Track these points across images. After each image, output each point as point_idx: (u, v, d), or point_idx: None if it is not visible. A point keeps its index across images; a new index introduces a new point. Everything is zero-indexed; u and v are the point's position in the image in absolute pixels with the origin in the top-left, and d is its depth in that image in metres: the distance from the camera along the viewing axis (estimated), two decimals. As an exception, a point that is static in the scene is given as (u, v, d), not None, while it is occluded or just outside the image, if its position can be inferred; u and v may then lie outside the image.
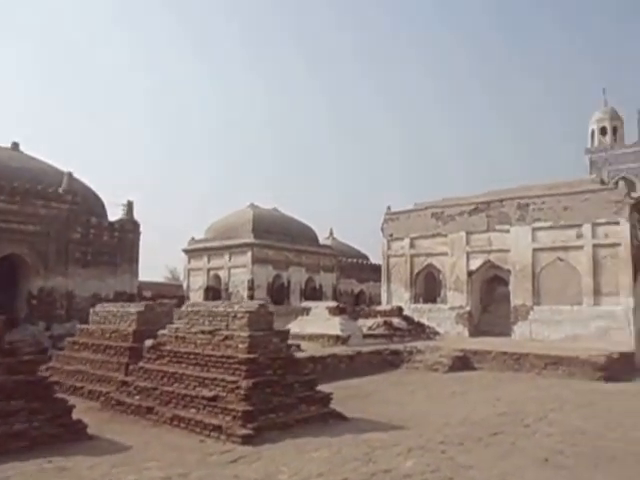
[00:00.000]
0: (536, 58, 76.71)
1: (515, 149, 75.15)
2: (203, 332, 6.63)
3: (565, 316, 14.61)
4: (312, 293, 22.04)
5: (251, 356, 6.06)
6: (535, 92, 79.59)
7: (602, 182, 16.14)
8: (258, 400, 5.75)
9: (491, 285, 17.78)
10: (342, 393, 8.74)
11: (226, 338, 6.37)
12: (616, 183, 28.31)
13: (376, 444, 5.75)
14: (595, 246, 14.59)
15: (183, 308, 7.30)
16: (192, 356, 6.53)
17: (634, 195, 16.11)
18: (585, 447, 5.96)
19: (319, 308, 13.09)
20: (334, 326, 12.33)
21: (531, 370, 11.63)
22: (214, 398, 5.78)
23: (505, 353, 12.05)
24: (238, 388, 5.74)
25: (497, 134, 77.48)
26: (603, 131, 32.14)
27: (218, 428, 5.47)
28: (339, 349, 11.37)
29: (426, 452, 5.55)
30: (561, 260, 15.07)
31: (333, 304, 13.17)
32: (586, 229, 14.76)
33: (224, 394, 5.79)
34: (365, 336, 13.08)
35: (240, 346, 6.17)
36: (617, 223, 14.35)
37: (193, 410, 5.89)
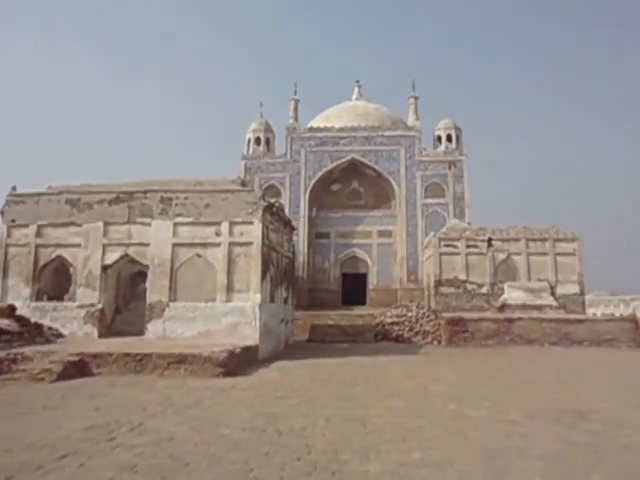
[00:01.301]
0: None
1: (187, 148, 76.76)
2: None
3: (199, 312, 14.55)
4: None
5: None
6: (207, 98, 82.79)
7: (243, 184, 16.75)
8: None
9: (135, 281, 16.81)
10: None
11: None
12: (263, 188, 30.79)
13: None
14: (231, 244, 14.95)
15: None
16: None
17: (272, 200, 17.26)
18: (164, 456, 5.39)
19: None
20: None
21: (153, 371, 10.99)
22: None
23: (128, 355, 11.13)
24: None
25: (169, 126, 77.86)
26: (257, 141, 34.66)
27: None
28: None
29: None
30: (199, 256, 15.01)
31: None
32: (224, 227, 15.03)
33: None
34: (-46, 343, 10.52)
35: None
36: (251, 223, 14.98)
37: None
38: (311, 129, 34.55)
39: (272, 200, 17.22)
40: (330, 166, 33.34)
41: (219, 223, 15.08)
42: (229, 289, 14.70)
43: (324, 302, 30.85)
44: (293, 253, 20.33)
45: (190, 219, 15.17)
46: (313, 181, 33.16)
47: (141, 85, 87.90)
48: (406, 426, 6.62)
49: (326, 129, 34.03)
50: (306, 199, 32.88)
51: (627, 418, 7.26)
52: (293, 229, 20.34)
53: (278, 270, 17.13)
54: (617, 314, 36.07)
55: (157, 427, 6.65)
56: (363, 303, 31.84)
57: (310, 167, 33.34)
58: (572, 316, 20.63)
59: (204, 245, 15.06)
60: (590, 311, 36.06)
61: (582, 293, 25.08)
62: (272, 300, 16.19)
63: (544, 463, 5.18)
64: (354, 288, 32.43)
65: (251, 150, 34.52)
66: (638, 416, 7.39)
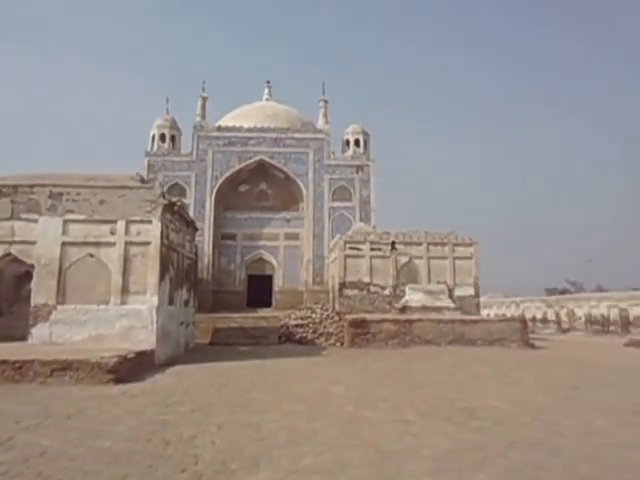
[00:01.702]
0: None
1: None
2: None
3: (91, 316, 13.66)
4: None
5: None
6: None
7: (142, 180, 15.94)
8: None
9: (21, 281, 15.55)
10: None
11: None
12: (167, 186, 29.73)
13: None
14: (127, 244, 14.18)
15: None
16: None
17: (173, 199, 16.57)
18: (30, 475, 4.88)
19: None
20: None
21: (35, 379, 10.11)
22: None
23: (5, 362, 10.15)
24: None
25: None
26: (162, 138, 33.44)
27: None
28: None
29: None
30: (92, 256, 14.10)
31: None
32: (120, 225, 14.23)
33: None
34: None
35: None
36: (150, 222, 14.29)
37: None
38: (219, 128, 33.86)
39: (174, 199, 16.54)
40: (238, 166, 32.84)
41: (115, 221, 14.26)
42: (124, 291, 13.92)
43: (229, 304, 30.28)
44: (196, 254, 19.70)
45: (82, 216, 14.23)
46: (220, 181, 32.50)
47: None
48: (301, 430, 6.45)
49: (235, 129, 33.49)
50: (212, 199, 32.16)
51: (513, 415, 7.53)
52: (196, 229, 19.72)
53: (179, 271, 16.49)
54: (509, 315, 38.42)
55: (28, 441, 6.03)
56: (269, 305, 31.59)
57: (217, 167, 32.65)
58: (467, 317, 21.54)
59: (97, 244, 14.18)
60: (485, 312, 38.11)
61: (477, 295, 26.34)
62: (171, 302, 15.54)
63: (434, 463, 5.19)
64: (260, 290, 32.12)
65: (155, 147, 33.26)
66: (523, 413, 7.68)
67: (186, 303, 17.59)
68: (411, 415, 7.42)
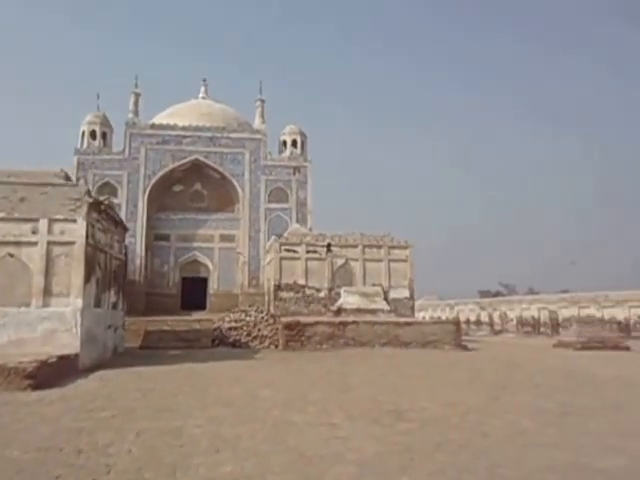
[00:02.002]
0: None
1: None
2: None
3: (11, 319, 12.91)
4: None
5: None
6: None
7: (67, 178, 15.24)
8: None
9: None
10: None
11: None
12: (97, 185, 28.67)
13: None
14: (50, 243, 13.52)
15: None
16: None
17: (101, 197, 15.96)
18: None
19: None
20: None
21: (-59, 388, 9.43)
22: None
23: None
24: None
25: None
26: (93, 135, 32.20)
27: None
28: None
29: None
30: (12, 256, 13.34)
31: None
32: (42, 224, 13.55)
33: None
34: None
35: None
36: (74, 221, 13.68)
37: None
38: (153, 126, 32.98)
39: (101, 197, 15.91)
40: (172, 166, 32.09)
41: (36, 220, 13.56)
42: (47, 293, 13.25)
43: (162, 307, 29.49)
44: (126, 255, 19.03)
45: (1, 214, 13.45)
46: (153, 181, 31.66)
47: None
48: (224, 436, 6.26)
49: (169, 127, 32.73)
50: (145, 199, 31.25)
51: (442, 416, 7.55)
52: (126, 229, 19.05)
53: (106, 272, 15.85)
54: (444, 317, 39.39)
55: None
56: (203, 308, 31.01)
57: (150, 166, 31.77)
58: (402, 319, 21.87)
59: (18, 244, 13.43)
60: (420, 314, 38.92)
61: (412, 298, 26.80)
62: (98, 305, 14.91)
63: (359, 467, 5.09)
64: (194, 293, 31.48)
65: (85, 144, 31.98)
66: (452, 414, 7.71)
67: (114, 306, 16.94)
68: (339, 418, 7.35)
